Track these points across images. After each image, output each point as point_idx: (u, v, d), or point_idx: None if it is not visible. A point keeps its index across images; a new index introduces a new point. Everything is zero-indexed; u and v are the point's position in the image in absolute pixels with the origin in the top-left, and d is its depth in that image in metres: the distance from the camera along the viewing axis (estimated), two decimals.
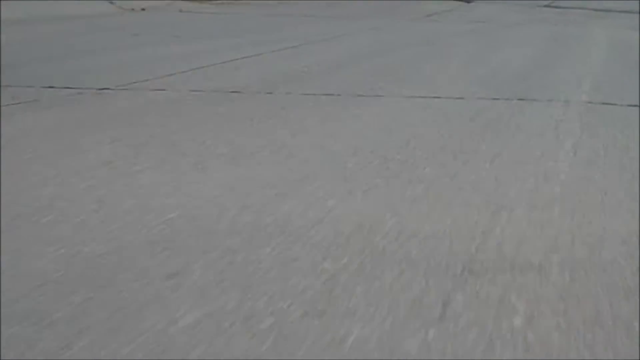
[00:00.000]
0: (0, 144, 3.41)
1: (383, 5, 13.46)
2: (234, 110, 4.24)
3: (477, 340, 1.64)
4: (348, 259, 2.07)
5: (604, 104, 4.58)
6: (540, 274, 1.98)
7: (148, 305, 1.79)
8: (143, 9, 11.48)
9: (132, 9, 11.39)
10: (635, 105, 4.45)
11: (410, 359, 1.58)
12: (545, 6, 14.21)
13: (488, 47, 7.71)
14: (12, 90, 4.68)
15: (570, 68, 6.21)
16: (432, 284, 1.91)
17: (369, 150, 3.29)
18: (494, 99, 4.69)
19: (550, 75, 5.78)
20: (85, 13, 10.37)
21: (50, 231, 2.29)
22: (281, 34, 8.66)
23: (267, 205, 2.55)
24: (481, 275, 1.96)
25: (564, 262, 2.06)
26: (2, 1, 9.37)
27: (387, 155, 3.18)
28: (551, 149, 3.30)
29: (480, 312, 1.76)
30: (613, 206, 2.56)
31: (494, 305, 1.79)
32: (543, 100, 4.66)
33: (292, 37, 8.28)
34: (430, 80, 5.43)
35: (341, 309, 1.77)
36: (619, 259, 2.10)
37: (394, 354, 1.58)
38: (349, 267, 2.02)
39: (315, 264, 2.03)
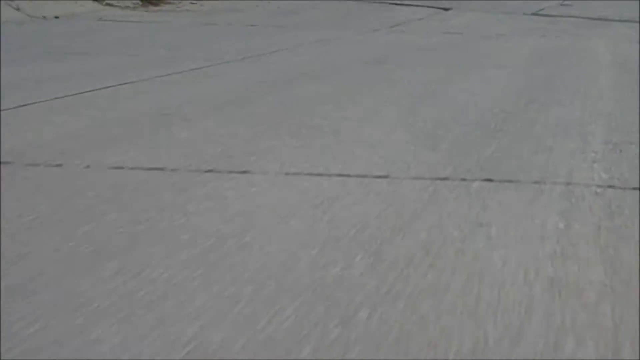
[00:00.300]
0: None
1: (348, 13, 11.34)
2: None
3: None
4: None
5: (636, 189, 2.49)
6: None
7: None
8: (56, 17, 9.35)
9: (44, 17, 9.26)
10: None
11: None
12: (533, 14, 12.08)
13: (454, 70, 5.60)
14: None
15: (567, 106, 4.11)
16: None
17: None
18: (441, 179, 2.59)
19: (537, 120, 3.69)
20: None
21: None
22: (197, 50, 6.55)
23: None
24: None
25: None
26: None
27: None
28: None
29: None
30: None
31: None
32: (526, 181, 2.56)
33: (208, 54, 6.18)
34: (347, 135, 3.30)
35: None
36: None
37: None
38: None
39: None
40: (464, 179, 2.57)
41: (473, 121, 3.65)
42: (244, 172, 2.65)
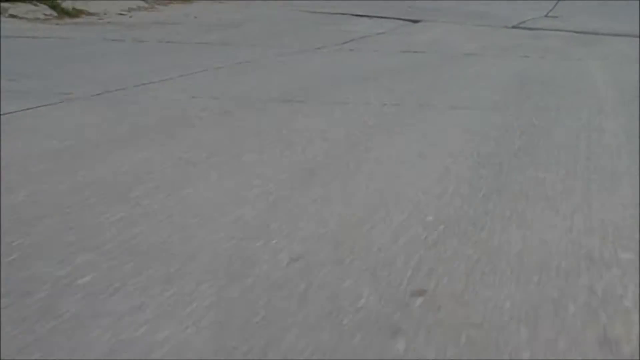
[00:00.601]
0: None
1: (298, 26, 9.45)
2: None
3: None
4: None
5: None
6: None
7: None
8: None
9: None
10: None
11: None
12: (514, 27, 10.21)
13: (393, 112, 3.73)
14: None
15: (557, 201, 2.26)
16: None
17: None
18: None
19: (503, 250, 1.84)
20: None
21: None
22: (55, 78, 4.67)
23: None
24: None
25: None
26: None
27: None
28: None
29: None
30: None
31: None
32: None
33: (60, 86, 4.31)
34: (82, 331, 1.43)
35: None
36: None
37: None
38: None
39: None
40: None
41: (377, 254, 1.78)
42: None
